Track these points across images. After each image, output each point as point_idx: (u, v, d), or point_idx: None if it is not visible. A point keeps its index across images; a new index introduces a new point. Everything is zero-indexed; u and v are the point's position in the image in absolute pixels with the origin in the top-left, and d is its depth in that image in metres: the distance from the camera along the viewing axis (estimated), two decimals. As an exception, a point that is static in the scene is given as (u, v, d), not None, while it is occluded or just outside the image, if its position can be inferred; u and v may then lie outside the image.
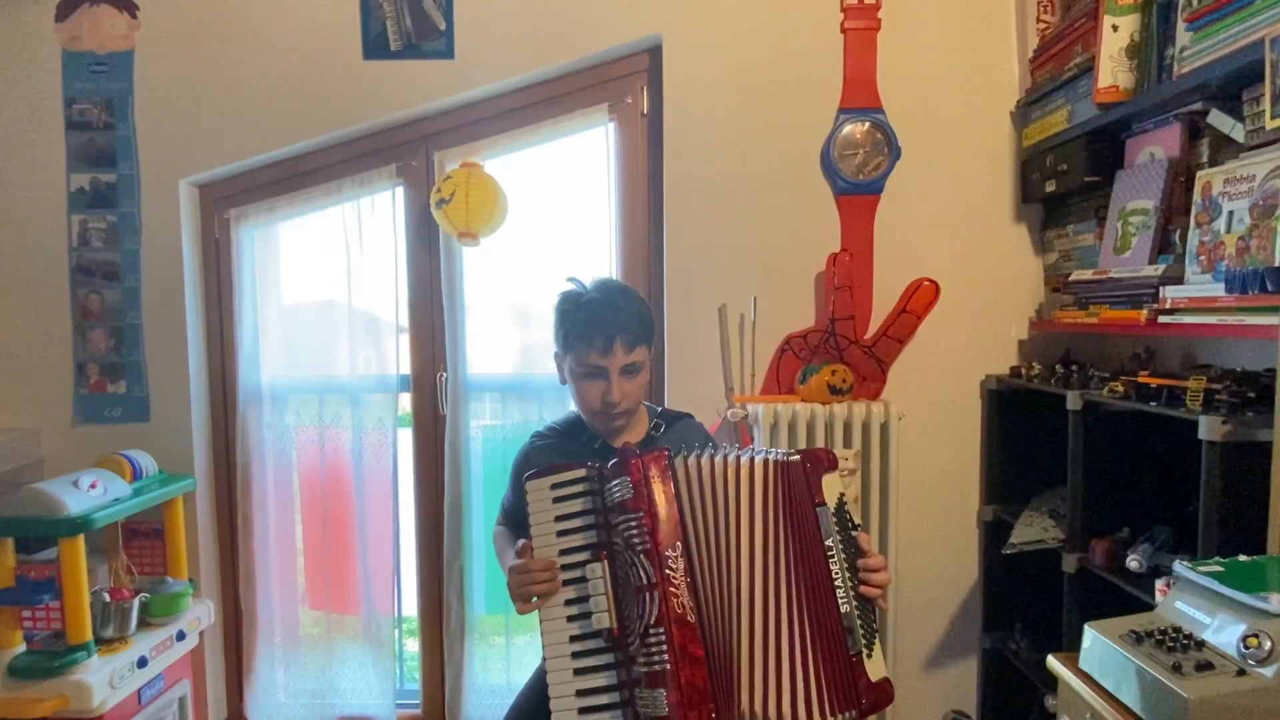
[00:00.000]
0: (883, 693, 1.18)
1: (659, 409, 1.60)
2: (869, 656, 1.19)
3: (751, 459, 1.25)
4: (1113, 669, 1.11)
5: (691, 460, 1.25)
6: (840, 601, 1.18)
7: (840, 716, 1.16)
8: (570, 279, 1.52)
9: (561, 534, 1.26)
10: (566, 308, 1.46)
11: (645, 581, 1.17)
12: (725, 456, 1.25)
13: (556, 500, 1.27)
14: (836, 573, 1.20)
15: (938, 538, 2.21)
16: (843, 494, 1.25)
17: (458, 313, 2.27)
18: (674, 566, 1.18)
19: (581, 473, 1.27)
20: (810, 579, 1.19)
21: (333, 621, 2.39)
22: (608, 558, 1.21)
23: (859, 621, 1.19)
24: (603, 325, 1.40)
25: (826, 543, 1.20)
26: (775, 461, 1.23)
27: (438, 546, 2.32)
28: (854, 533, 1.26)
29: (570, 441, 1.53)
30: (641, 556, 1.18)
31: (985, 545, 2.20)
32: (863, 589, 1.22)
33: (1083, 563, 1.70)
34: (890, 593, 2.08)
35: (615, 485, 1.22)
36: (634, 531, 1.19)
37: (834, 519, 1.22)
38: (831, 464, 1.25)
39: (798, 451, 1.26)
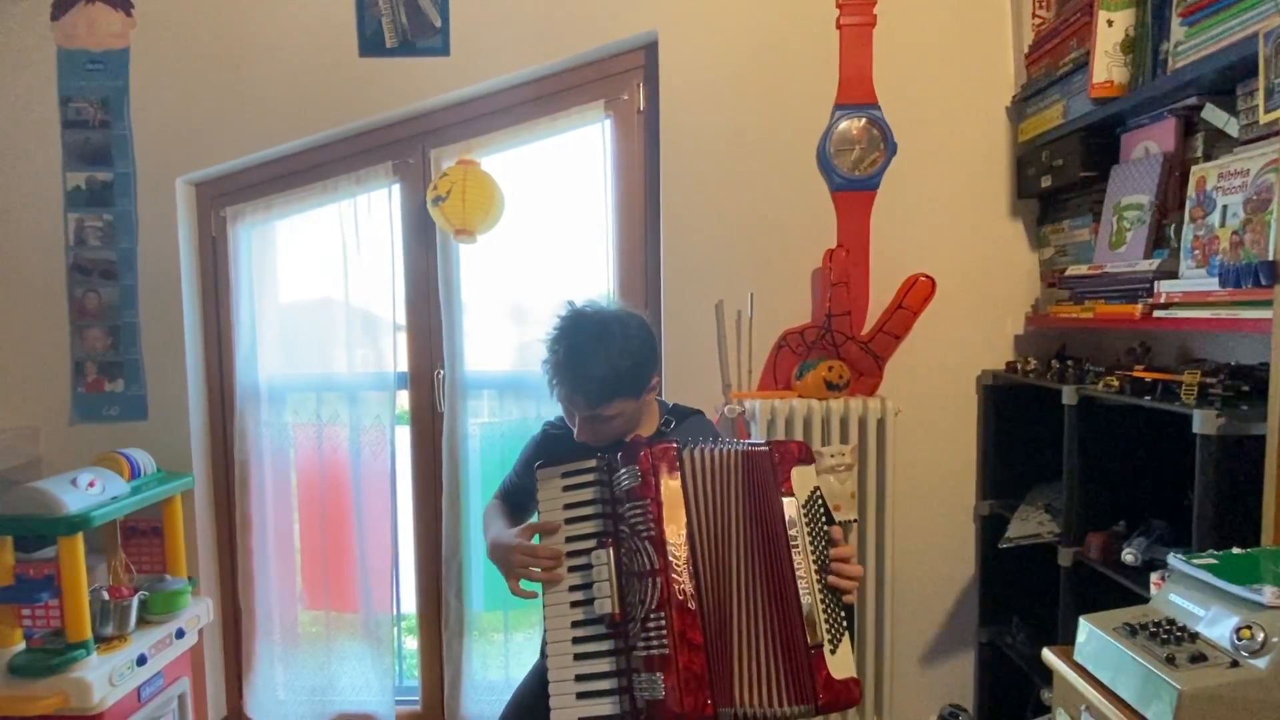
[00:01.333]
0: (845, 691, 1.18)
1: (670, 405, 1.61)
2: (832, 653, 1.20)
3: (733, 450, 1.27)
4: (1107, 661, 1.11)
5: (697, 452, 1.27)
6: (801, 592, 1.20)
7: (794, 708, 1.18)
8: (568, 303, 1.43)
9: (570, 521, 1.29)
10: (549, 339, 1.40)
11: (649, 567, 1.19)
12: (725, 449, 1.27)
13: (566, 489, 1.30)
14: (800, 563, 1.22)
15: (934, 532, 2.22)
16: (817, 488, 1.28)
17: (455, 310, 2.27)
18: (677, 554, 1.20)
19: (592, 463, 1.30)
20: (770, 568, 1.22)
21: (331, 619, 2.39)
22: (613, 544, 1.23)
23: (822, 615, 1.21)
24: (565, 379, 1.36)
25: (790, 533, 1.22)
26: (741, 451, 1.26)
27: (436, 544, 2.33)
28: (828, 527, 1.27)
29: None
30: (646, 543, 1.20)
31: (981, 540, 2.20)
32: (830, 579, 1.24)
33: (1078, 556, 1.71)
34: (887, 587, 2.10)
35: (624, 474, 1.25)
36: (639, 518, 1.21)
37: (803, 511, 1.24)
38: (804, 457, 1.28)
39: (768, 442, 1.28)
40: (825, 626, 1.20)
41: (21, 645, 1.76)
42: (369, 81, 2.16)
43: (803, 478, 1.26)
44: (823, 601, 1.22)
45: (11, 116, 2.16)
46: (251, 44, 2.15)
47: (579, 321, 1.39)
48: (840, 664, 1.19)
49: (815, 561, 1.23)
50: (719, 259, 2.15)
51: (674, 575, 1.18)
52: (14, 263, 2.19)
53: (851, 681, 1.19)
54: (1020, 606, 2.11)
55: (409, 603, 2.44)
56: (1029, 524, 1.92)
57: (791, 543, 1.22)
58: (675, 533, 1.21)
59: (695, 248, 2.16)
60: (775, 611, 1.21)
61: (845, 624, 1.24)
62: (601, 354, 1.33)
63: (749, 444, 1.29)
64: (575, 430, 1.42)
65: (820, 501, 1.28)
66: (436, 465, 2.31)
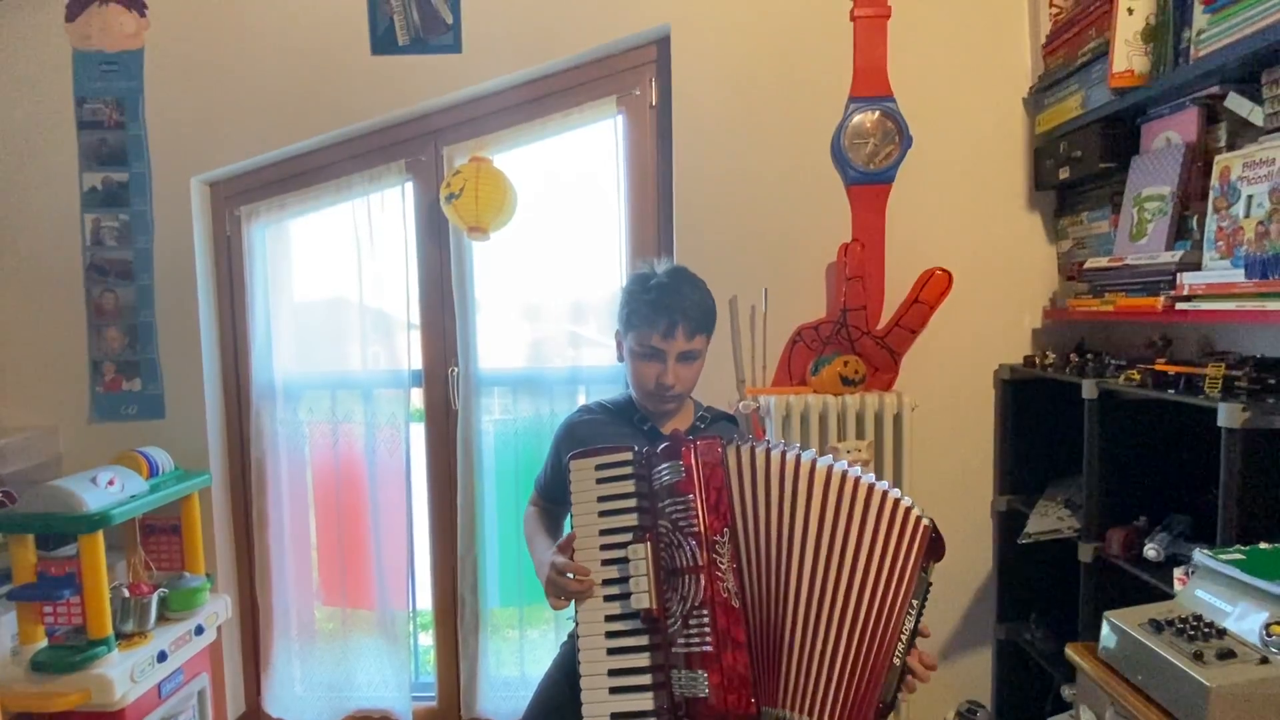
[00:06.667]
0: None
1: (704, 405, 1.62)
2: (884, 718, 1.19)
3: (900, 500, 1.23)
4: (1132, 658, 1.10)
5: (745, 450, 1.24)
6: (895, 656, 1.18)
7: None
8: (642, 260, 1.58)
9: (604, 514, 1.27)
10: (634, 288, 1.50)
11: (692, 564, 1.17)
12: (784, 453, 1.24)
13: (600, 481, 1.28)
14: (906, 629, 1.19)
15: (952, 528, 2.15)
16: (931, 584, 1.26)
17: (468, 307, 2.27)
18: (720, 552, 1.18)
19: (628, 455, 1.28)
20: (885, 619, 1.18)
21: (348, 616, 2.40)
22: (651, 539, 1.21)
23: (896, 683, 1.19)
24: (668, 309, 1.44)
25: (913, 600, 1.21)
26: (918, 517, 1.24)
27: (451, 540, 2.33)
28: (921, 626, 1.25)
29: (618, 420, 1.55)
30: (690, 539, 1.18)
31: (1000, 535, 2.19)
32: (910, 662, 1.21)
33: (1099, 552, 1.69)
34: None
35: (665, 469, 1.23)
36: (682, 514, 1.20)
37: (925, 592, 1.23)
38: (940, 556, 1.27)
39: (933, 523, 1.25)
40: (894, 695, 1.19)
41: (44, 642, 1.78)
42: (381, 80, 2.16)
43: (932, 571, 1.26)
44: (899, 672, 1.20)
45: (28, 118, 2.18)
46: (265, 43, 2.16)
47: (665, 266, 1.53)
48: None
49: (907, 641, 1.21)
50: (733, 254, 2.14)
51: (718, 572, 1.17)
52: (32, 263, 2.21)
53: None
54: (1039, 603, 2.09)
55: (424, 599, 2.45)
56: (1048, 519, 1.90)
57: (909, 610, 1.20)
58: (719, 530, 1.19)
59: (709, 242, 2.15)
60: (865, 652, 1.17)
61: (896, 701, 1.21)
62: (694, 287, 1.50)
63: (905, 499, 1.25)
64: (658, 378, 1.44)
65: (927, 597, 1.26)
66: (451, 462, 2.32)
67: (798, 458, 1.24)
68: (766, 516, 1.22)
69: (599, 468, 1.28)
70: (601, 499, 1.27)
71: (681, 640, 1.16)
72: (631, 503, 1.25)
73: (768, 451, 1.24)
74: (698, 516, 1.19)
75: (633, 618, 1.21)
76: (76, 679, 1.71)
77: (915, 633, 1.22)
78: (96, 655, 1.74)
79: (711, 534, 1.18)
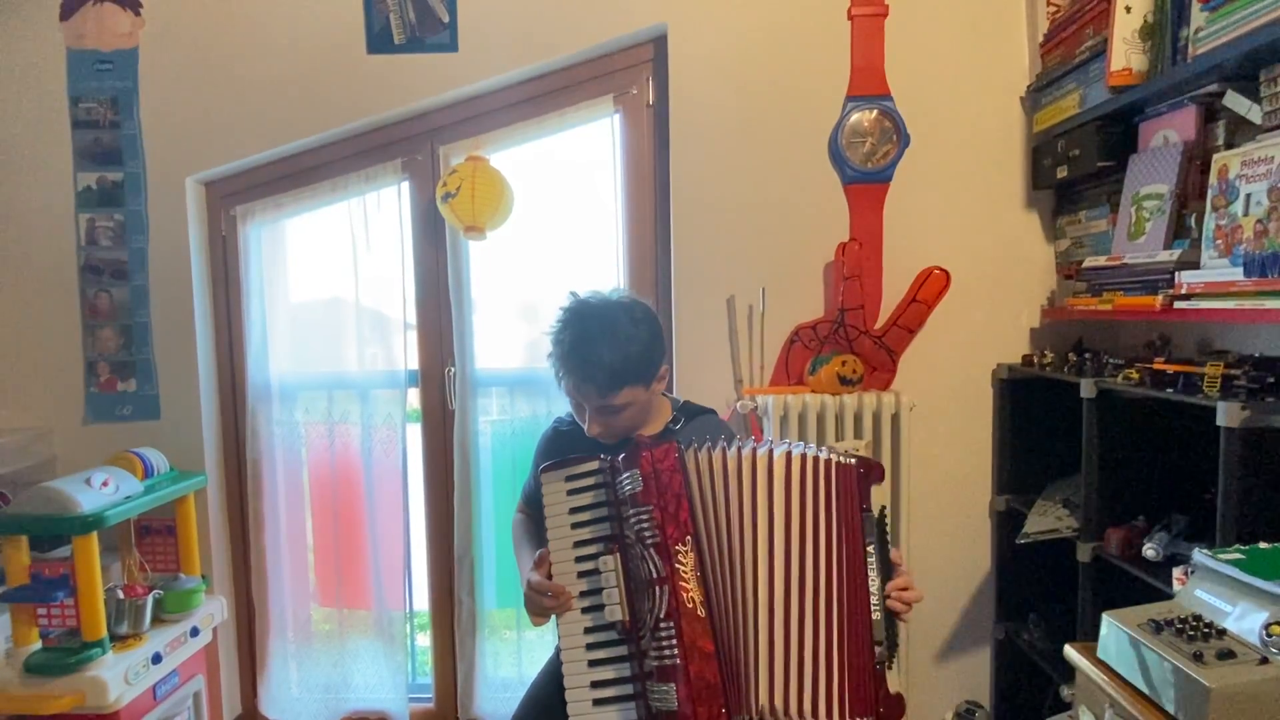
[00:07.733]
0: (899, 706, 1.18)
1: (682, 402, 1.58)
2: (889, 669, 1.19)
3: (808, 455, 1.22)
4: (1132, 658, 1.10)
5: (703, 453, 1.22)
6: (873, 609, 1.18)
7: None
8: (571, 293, 1.43)
9: (576, 526, 1.26)
10: (553, 333, 1.39)
11: (655, 575, 1.17)
12: (740, 449, 1.23)
13: (571, 493, 1.27)
14: (872, 579, 1.19)
15: (950, 528, 2.20)
16: (885, 507, 1.24)
17: (465, 307, 2.27)
18: (683, 560, 1.17)
19: (594, 465, 1.27)
20: (847, 581, 1.18)
21: (344, 617, 2.40)
22: (619, 550, 1.21)
23: (885, 632, 1.19)
24: (573, 368, 1.35)
25: (867, 549, 1.20)
26: (832, 461, 1.21)
27: (448, 541, 2.32)
28: (890, 547, 1.25)
29: None
30: (651, 550, 1.17)
31: (998, 535, 2.18)
32: (889, 603, 1.21)
33: (1098, 552, 1.68)
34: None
35: (626, 478, 1.21)
36: (644, 525, 1.18)
37: (875, 528, 1.21)
38: (880, 476, 1.24)
39: (855, 456, 1.23)
40: (885, 643, 1.19)
41: (38, 644, 1.77)
42: (377, 79, 2.15)
43: (876, 496, 1.24)
44: (885, 618, 1.20)
45: (22, 117, 2.17)
46: (260, 42, 2.15)
47: (584, 310, 1.38)
48: (893, 679, 1.19)
49: (880, 580, 1.20)
50: (730, 253, 2.14)
51: (681, 583, 1.16)
52: (26, 263, 2.20)
53: (900, 697, 1.19)
54: (1038, 603, 2.09)
55: (421, 600, 2.44)
56: (1046, 519, 1.90)
57: (867, 559, 1.19)
58: (680, 538, 1.17)
59: (706, 242, 2.14)
60: (846, 624, 1.18)
61: (897, 641, 1.22)
62: (609, 340, 1.33)
63: (834, 452, 1.23)
64: (586, 425, 1.40)
65: (886, 521, 1.24)
66: (448, 463, 2.31)
67: (754, 451, 1.21)
68: (728, 517, 1.20)
69: (568, 479, 1.28)
70: (573, 510, 1.27)
71: (653, 653, 1.16)
72: (602, 512, 1.25)
73: (724, 451, 1.21)
74: (658, 526, 1.17)
75: (610, 629, 1.21)
76: (70, 681, 1.70)
77: (886, 574, 1.21)
78: (91, 657, 1.73)
79: (673, 543, 1.17)
